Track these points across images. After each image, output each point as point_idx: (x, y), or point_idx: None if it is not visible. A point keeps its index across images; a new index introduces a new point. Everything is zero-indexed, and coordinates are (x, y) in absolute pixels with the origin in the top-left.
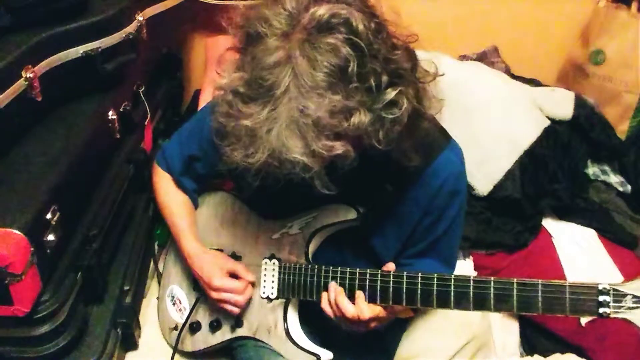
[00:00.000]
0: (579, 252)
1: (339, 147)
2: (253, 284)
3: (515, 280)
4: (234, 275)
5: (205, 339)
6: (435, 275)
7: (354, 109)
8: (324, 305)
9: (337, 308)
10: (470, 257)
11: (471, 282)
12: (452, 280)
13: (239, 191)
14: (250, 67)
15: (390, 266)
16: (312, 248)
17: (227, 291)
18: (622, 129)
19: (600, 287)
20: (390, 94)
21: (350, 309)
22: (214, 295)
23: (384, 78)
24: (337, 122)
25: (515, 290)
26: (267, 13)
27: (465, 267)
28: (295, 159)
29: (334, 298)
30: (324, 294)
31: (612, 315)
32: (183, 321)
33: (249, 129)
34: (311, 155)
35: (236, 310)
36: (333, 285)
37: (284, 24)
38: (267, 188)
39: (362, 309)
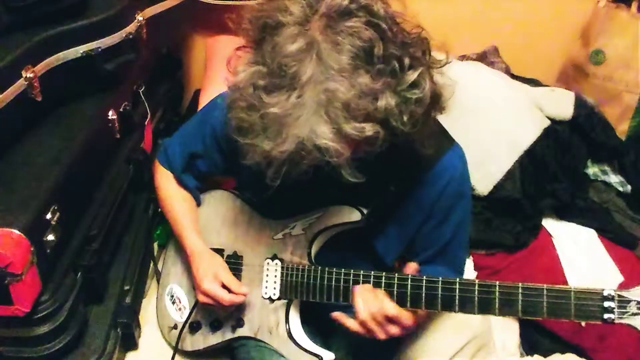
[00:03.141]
0: (579, 252)
1: (369, 129)
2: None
3: (520, 285)
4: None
5: (205, 339)
6: (440, 278)
7: (380, 91)
8: (352, 324)
9: (364, 306)
10: (470, 257)
11: (476, 286)
12: (457, 284)
13: (251, 193)
14: (271, 57)
15: (412, 266)
16: (314, 249)
17: (212, 298)
18: (622, 129)
19: (605, 293)
20: (412, 75)
21: (375, 303)
22: (201, 297)
23: (406, 60)
24: (366, 104)
25: (520, 295)
26: (285, 2)
27: (465, 267)
28: (326, 144)
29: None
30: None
31: (616, 322)
32: (183, 320)
33: (277, 116)
34: (341, 140)
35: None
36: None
37: (304, 12)
38: (279, 188)
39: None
